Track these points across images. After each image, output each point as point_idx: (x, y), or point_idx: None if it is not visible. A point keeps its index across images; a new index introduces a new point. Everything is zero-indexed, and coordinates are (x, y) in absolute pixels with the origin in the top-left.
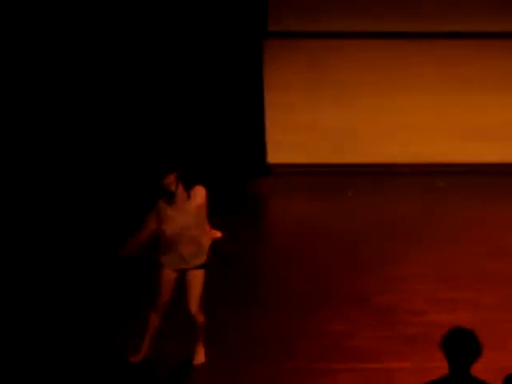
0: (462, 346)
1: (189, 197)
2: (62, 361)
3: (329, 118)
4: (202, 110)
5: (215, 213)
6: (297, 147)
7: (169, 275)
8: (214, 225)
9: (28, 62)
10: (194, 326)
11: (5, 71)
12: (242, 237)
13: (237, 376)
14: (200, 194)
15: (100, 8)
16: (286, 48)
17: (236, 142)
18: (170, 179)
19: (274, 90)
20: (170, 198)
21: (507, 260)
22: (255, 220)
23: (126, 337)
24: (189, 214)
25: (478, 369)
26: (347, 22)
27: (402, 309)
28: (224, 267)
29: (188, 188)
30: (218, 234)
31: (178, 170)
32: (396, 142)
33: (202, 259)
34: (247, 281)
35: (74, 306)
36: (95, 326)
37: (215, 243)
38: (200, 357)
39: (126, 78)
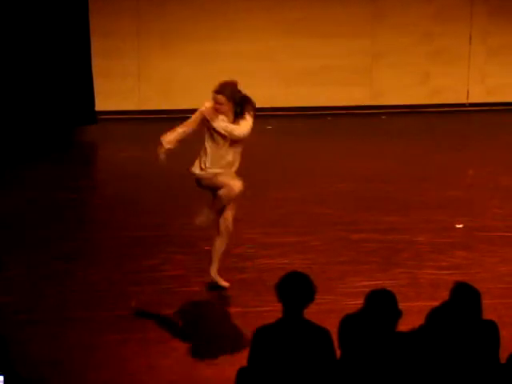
0: (296, 290)
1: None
2: None
3: (156, 64)
4: (28, 58)
5: (44, 161)
6: (124, 94)
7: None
8: (45, 173)
9: None
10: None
11: None
12: (75, 184)
13: (69, 323)
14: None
15: None
16: None
17: (63, 89)
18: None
19: (100, 37)
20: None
21: (333, 204)
22: (85, 168)
23: None
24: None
25: (309, 311)
26: None
27: (233, 254)
28: (59, 215)
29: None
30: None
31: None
32: None
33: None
34: (82, 229)
35: None
36: None
37: None
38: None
39: None
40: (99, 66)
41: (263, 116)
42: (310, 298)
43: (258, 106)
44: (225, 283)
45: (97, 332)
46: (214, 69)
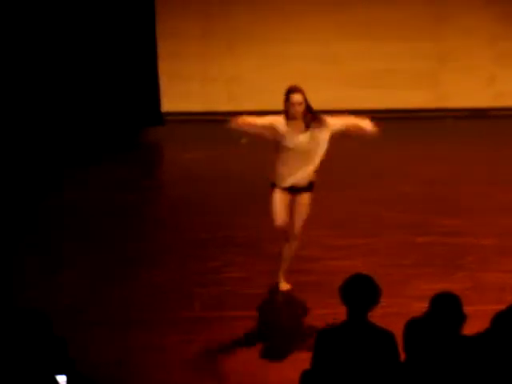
0: (361, 292)
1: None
2: None
3: (221, 66)
4: (96, 60)
5: (110, 162)
6: (190, 95)
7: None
8: (110, 173)
9: None
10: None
11: None
12: (140, 185)
13: (133, 325)
14: None
15: None
16: None
17: (130, 91)
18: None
19: (166, 39)
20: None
21: (398, 206)
22: (152, 168)
23: None
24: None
25: (373, 314)
26: None
27: (297, 256)
28: (123, 216)
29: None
30: None
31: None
32: None
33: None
34: (146, 229)
35: None
36: None
37: None
38: (285, 284)
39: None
40: (165, 67)
41: None
42: (374, 300)
43: (321, 108)
44: (283, 286)
45: (161, 333)
46: (279, 71)
